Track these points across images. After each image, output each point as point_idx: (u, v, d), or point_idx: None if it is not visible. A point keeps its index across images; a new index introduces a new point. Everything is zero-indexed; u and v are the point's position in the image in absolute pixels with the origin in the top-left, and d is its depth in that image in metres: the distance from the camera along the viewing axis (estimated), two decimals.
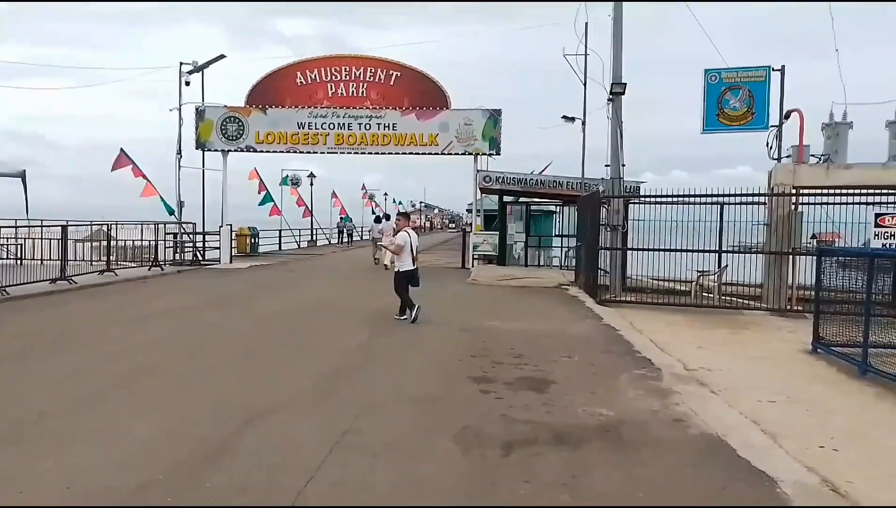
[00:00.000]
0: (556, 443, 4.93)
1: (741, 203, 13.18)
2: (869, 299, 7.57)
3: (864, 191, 12.98)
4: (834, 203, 13.25)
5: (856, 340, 7.51)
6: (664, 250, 12.87)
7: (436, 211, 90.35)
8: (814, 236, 13.51)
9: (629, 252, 14.03)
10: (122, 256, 19.29)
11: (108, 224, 17.72)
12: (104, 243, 17.35)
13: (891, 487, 4.23)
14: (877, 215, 11.67)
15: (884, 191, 12.92)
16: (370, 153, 22.42)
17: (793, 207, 12.66)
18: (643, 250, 13.25)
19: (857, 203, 12.98)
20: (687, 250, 12.82)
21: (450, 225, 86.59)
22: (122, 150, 21.78)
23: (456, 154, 21.86)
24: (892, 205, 12.59)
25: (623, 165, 15.20)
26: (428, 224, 71.82)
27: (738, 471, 4.45)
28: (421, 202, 75.25)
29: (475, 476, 4.29)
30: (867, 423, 5.60)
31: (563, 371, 7.21)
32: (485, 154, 22.02)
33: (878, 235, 11.35)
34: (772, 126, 14.84)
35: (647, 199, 13.86)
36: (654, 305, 12.50)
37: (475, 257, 21.56)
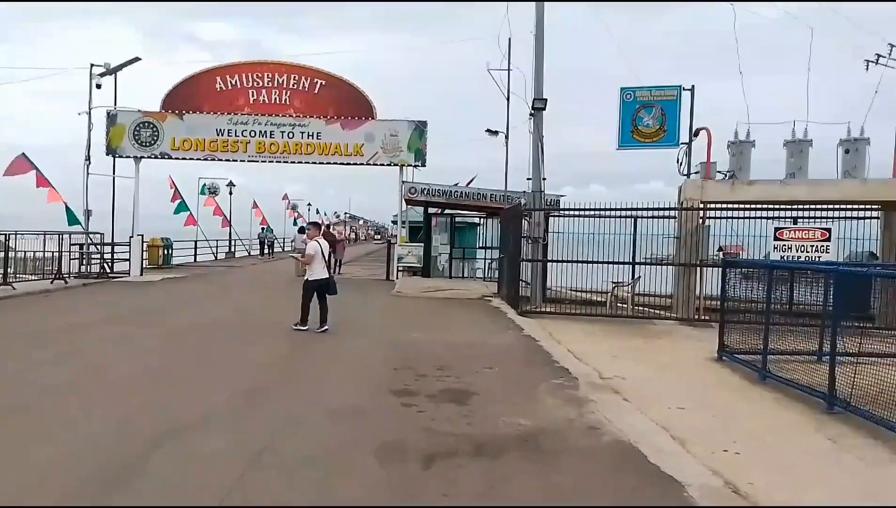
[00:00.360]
0: (477, 454, 4.96)
1: (653, 217, 13.81)
2: (768, 309, 8.07)
3: (764, 206, 13.90)
4: (738, 217, 14.10)
5: (756, 348, 7.97)
6: (582, 261, 13.38)
7: (361, 222, 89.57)
8: (720, 249, 14.26)
9: (549, 264, 14.39)
10: (22, 268, 18.02)
11: (5, 234, 16.53)
12: (1, 254, 16.16)
13: (786, 487, 4.50)
14: (776, 229, 12.48)
15: (782, 206, 13.86)
16: (293, 162, 22.02)
17: (700, 220, 13.33)
18: (563, 261, 13.69)
19: (758, 217, 13.86)
20: (603, 262, 13.34)
21: (375, 236, 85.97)
22: (23, 154, 20.39)
23: (381, 165, 21.79)
24: (790, 219, 13.55)
25: (544, 179, 15.59)
26: (353, 236, 70.97)
27: (649, 476, 4.62)
28: (346, 213, 74.36)
29: (394, 491, 4.25)
30: (767, 427, 5.94)
31: (485, 383, 7.28)
32: (410, 165, 22.03)
33: (777, 247, 12.14)
34: (682, 143, 15.58)
35: (567, 212, 14.30)
36: (572, 315, 12.85)
37: (400, 268, 21.51)
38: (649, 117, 16.18)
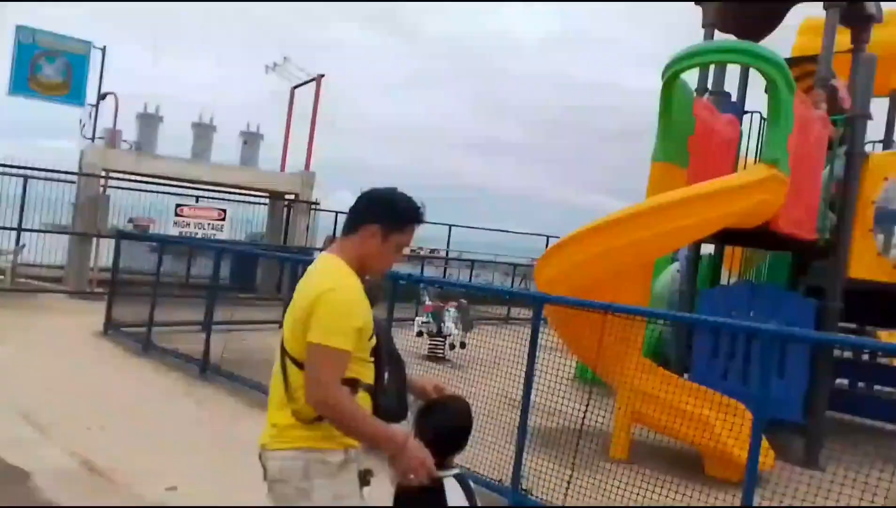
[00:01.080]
0: None
1: (49, 179, 12.50)
2: (157, 281, 8.24)
3: (170, 182, 14.19)
4: (144, 190, 14.04)
5: (144, 320, 8.01)
6: None
7: None
8: (131, 221, 13.88)
9: None
10: None
11: None
12: None
13: (144, 454, 4.60)
14: (177, 205, 12.93)
15: (188, 184, 14.41)
16: None
17: (101, 189, 12.63)
18: None
19: (163, 193, 14.12)
20: None
21: None
22: None
23: None
24: (193, 197, 14.22)
25: None
26: None
27: None
28: None
29: None
30: (139, 398, 6.01)
31: None
32: None
33: (177, 223, 12.57)
34: (89, 104, 14.46)
35: None
36: None
37: None
38: (51, 67, 14.43)
